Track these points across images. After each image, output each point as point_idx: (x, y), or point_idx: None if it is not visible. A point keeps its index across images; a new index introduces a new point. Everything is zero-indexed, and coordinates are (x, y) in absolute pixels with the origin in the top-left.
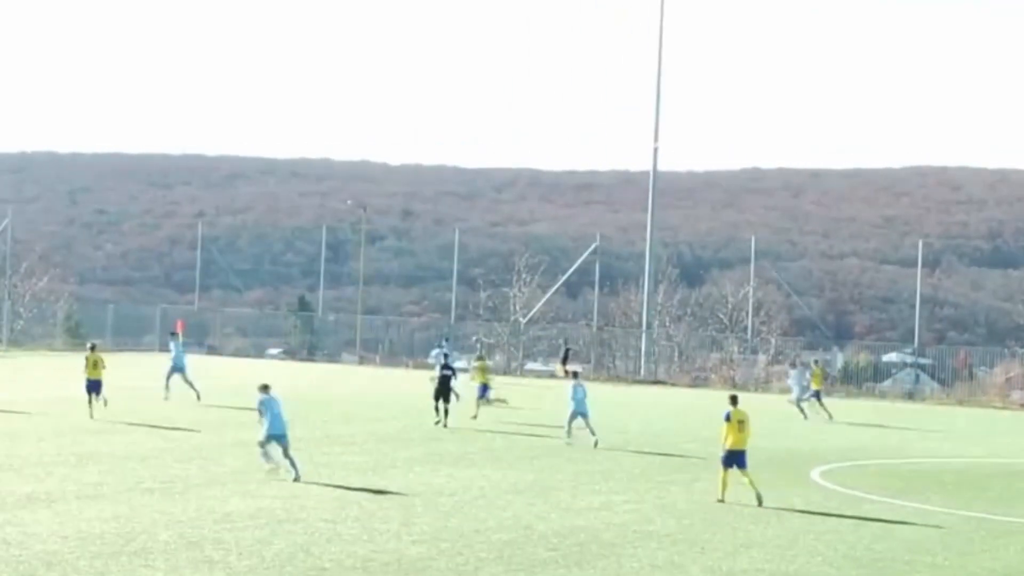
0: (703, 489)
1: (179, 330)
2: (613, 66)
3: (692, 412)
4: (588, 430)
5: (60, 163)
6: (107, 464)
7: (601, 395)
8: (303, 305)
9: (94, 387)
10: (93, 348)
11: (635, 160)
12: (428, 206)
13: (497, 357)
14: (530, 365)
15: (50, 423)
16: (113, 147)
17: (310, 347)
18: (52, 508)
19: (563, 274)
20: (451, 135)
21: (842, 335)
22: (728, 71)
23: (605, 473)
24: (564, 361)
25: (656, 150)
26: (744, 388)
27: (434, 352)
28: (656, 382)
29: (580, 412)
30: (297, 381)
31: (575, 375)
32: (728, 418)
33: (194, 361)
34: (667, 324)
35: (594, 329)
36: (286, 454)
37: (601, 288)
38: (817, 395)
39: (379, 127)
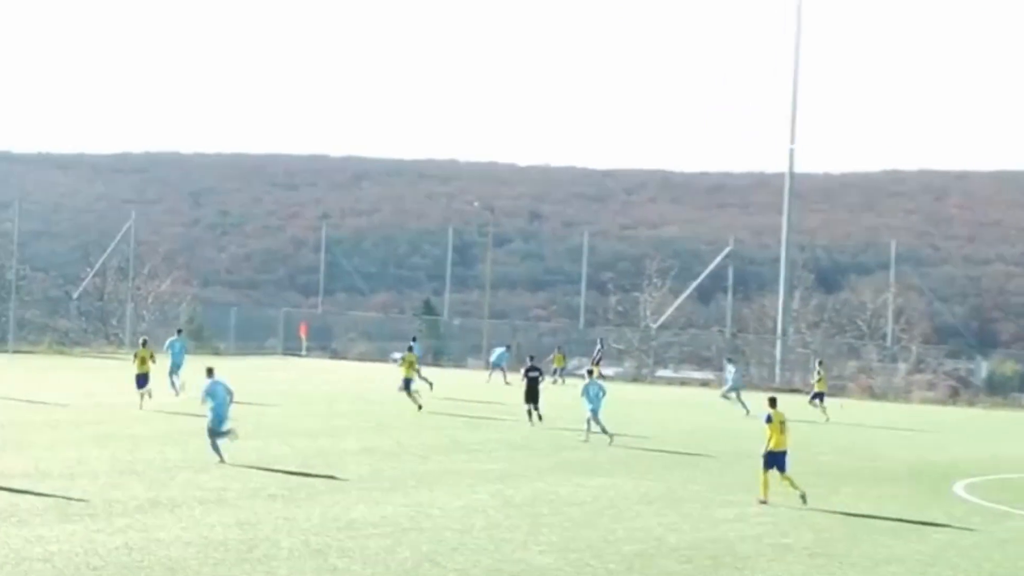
0: (841, 502)
1: (303, 334)
2: (747, 64)
3: (829, 422)
4: (600, 428)
5: (184, 164)
6: (230, 470)
7: (725, 403)
8: (428, 309)
9: (142, 381)
10: (144, 344)
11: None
12: (557, 208)
13: (627, 363)
14: (661, 372)
15: (172, 427)
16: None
17: (435, 352)
18: (175, 513)
19: (695, 279)
20: (580, 135)
21: (986, 343)
22: (867, 68)
23: (739, 484)
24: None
25: (792, 151)
26: (883, 397)
27: (496, 352)
28: (792, 390)
29: (593, 410)
30: (423, 387)
31: (589, 373)
32: (769, 420)
33: (317, 365)
34: (803, 331)
35: (727, 336)
36: (220, 435)
37: (734, 293)
38: (820, 396)
39: (507, 127)
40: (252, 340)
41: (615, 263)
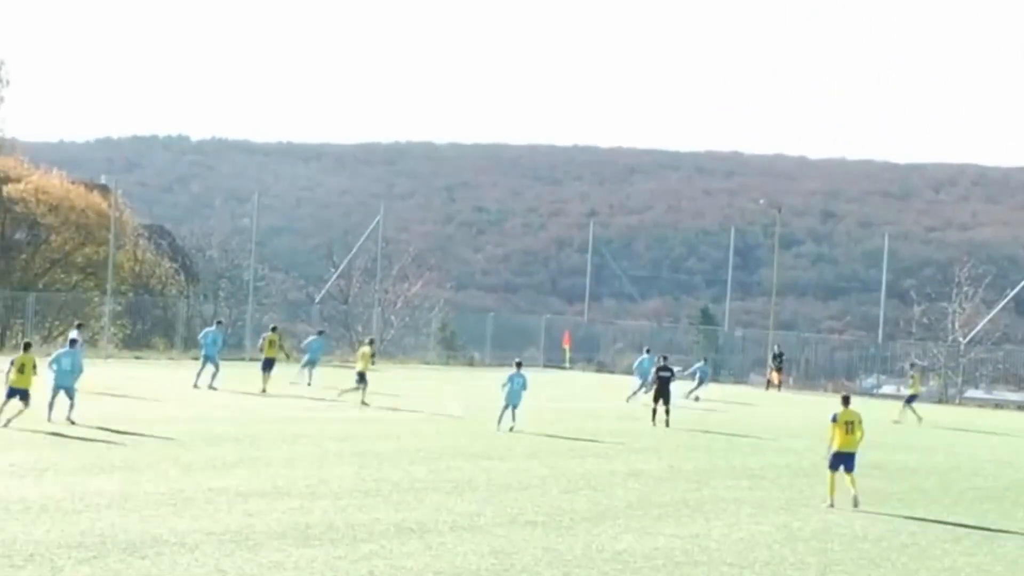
0: None
1: (566, 344)
2: None
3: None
4: (511, 416)
5: (437, 155)
6: (484, 492)
7: None
8: (707, 318)
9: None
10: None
11: None
12: (853, 206)
13: (932, 382)
14: (971, 393)
15: (422, 445)
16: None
17: (715, 366)
18: (424, 540)
19: (1013, 287)
20: (880, 125)
21: None
22: None
23: None
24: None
25: None
26: None
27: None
28: None
29: (512, 403)
30: (698, 404)
31: (518, 365)
32: (835, 419)
33: (581, 378)
34: None
35: None
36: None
37: None
38: (912, 399)
39: (796, 115)
40: (510, 349)
41: (919, 269)
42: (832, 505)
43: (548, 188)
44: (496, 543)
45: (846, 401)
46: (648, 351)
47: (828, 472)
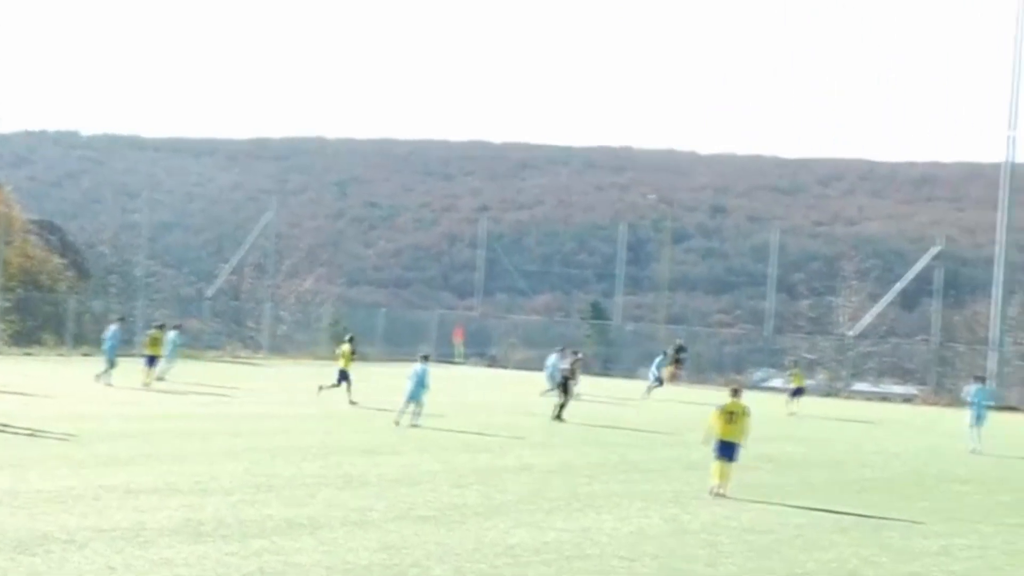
0: None
1: (459, 338)
2: (960, 43)
3: (795, 416)
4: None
5: (328, 151)
6: (375, 488)
7: (941, 422)
8: (597, 312)
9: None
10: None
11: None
12: (742, 201)
13: (820, 375)
14: (858, 386)
15: (313, 441)
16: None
17: (605, 360)
18: (315, 535)
19: (898, 281)
20: (769, 120)
21: None
22: None
23: (944, 512)
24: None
25: (1012, 138)
26: None
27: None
28: (1007, 408)
29: (414, 396)
30: (589, 399)
31: (424, 358)
32: (719, 409)
33: (473, 373)
34: (1021, 341)
35: (934, 346)
36: None
37: (943, 298)
38: (797, 392)
39: (687, 111)
40: (402, 345)
41: (807, 263)
42: (721, 494)
43: (440, 183)
44: (387, 538)
45: (735, 393)
46: (562, 349)
47: (714, 461)
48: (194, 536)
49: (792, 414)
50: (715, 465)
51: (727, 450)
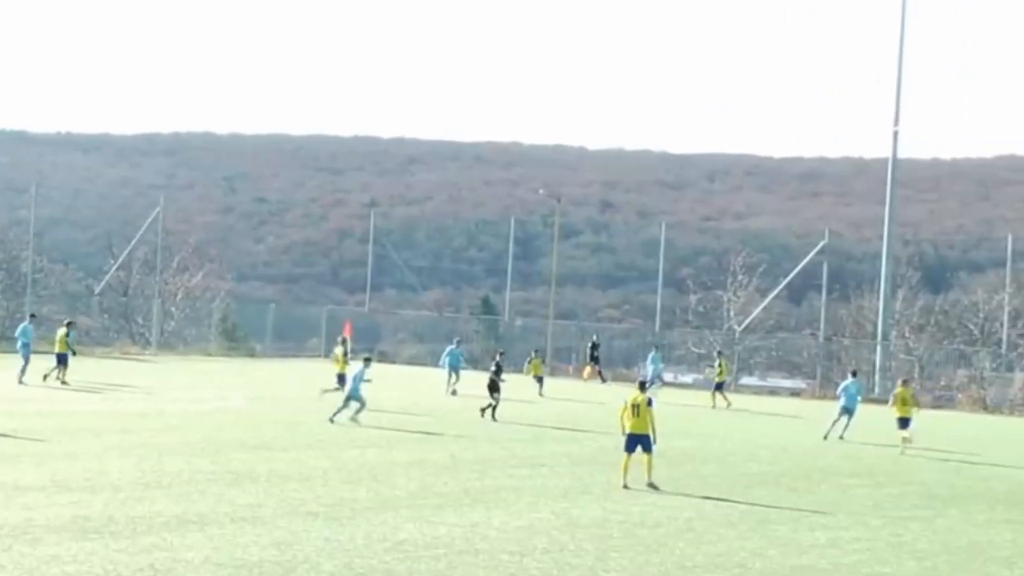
0: (947, 527)
1: (347, 333)
2: (846, 39)
3: (935, 437)
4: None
5: (217, 146)
6: (265, 484)
7: (828, 416)
8: (487, 308)
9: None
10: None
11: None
12: (630, 197)
13: (708, 370)
14: (746, 380)
15: (203, 437)
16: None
17: (494, 355)
18: (204, 531)
19: (785, 276)
20: (658, 116)
21: None
22: (983, 43)
23: (831, 505)
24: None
25: (896, 134)
26: (997, 411)
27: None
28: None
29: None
30: (480, 393)
31: (367, 360)
32: (626, 403)
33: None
34: (906, 335)
35: (820, 340)
36: None
37: (829, 293)
38: (720, 386)
39: (576, 107)
40: (291, 340)
41: (695, 258)
42: (626, 487)
43: (329, 178)
44: (277, 534)
45: (642, 387)
46: (458, 342)
47: (624, 455)
48: (83, 533)
49: (728, 406)
50: (626, 459)
51: (640, 442)
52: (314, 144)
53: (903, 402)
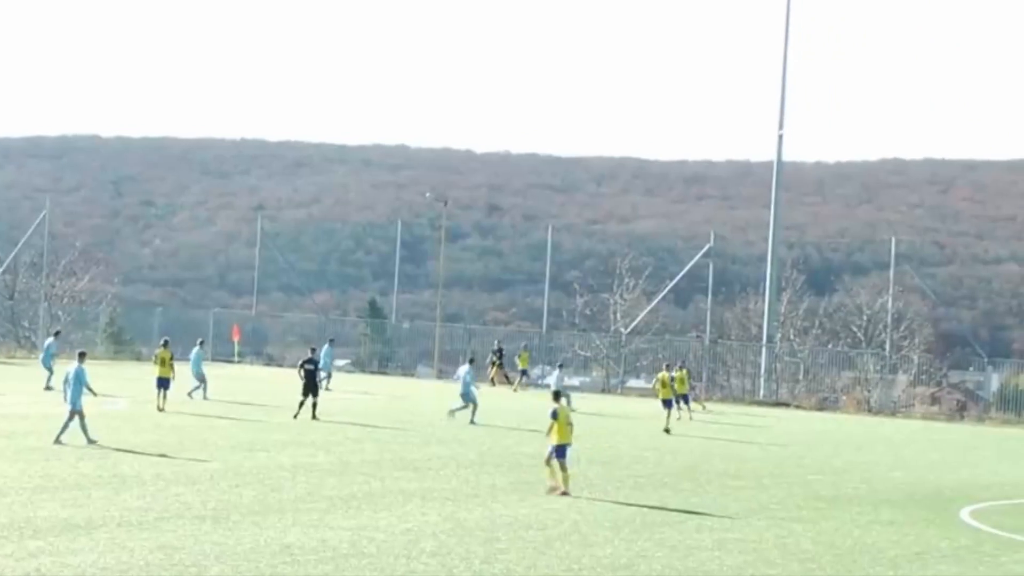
0: (832, 528)
1: (235, 337)
2: (730, 43)
3: (818, 439)
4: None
5: (103, 149)
6: (152, 487)
7: (713, 417)
8: (374, 311)
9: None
10: (166, 344)
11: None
12: (517, 200)
13: (594, 373)
14: (632, 382)
15: (88, 441)
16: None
17: (382, 358)
18: (91, 536)
19: (671, 279)
20: (543, 119)
21: (998, 353)
22: (866, 47)
23: (717, 507)
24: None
25: (781, 137)
26: (881, 412)
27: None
28: (777, 404)
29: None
30: (367, 397)
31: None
32: (555, 416)
33: (250, 372)
34: (791, 337)
35: (706, 342)
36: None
37: (715, 295)
38: (685, 399)
39: (462, 109)
40: (178, 344)
41: (582, 261)
42: (556, 490)
43: (216, 182)
44: (164, 538)
45: (557, 397)
46: (332, 341)
47: (550, 464)
48: None
49: (691, 418)
50: (551, 467)
51: (562, 451)
52: (201, 147)
53: (663, 384)
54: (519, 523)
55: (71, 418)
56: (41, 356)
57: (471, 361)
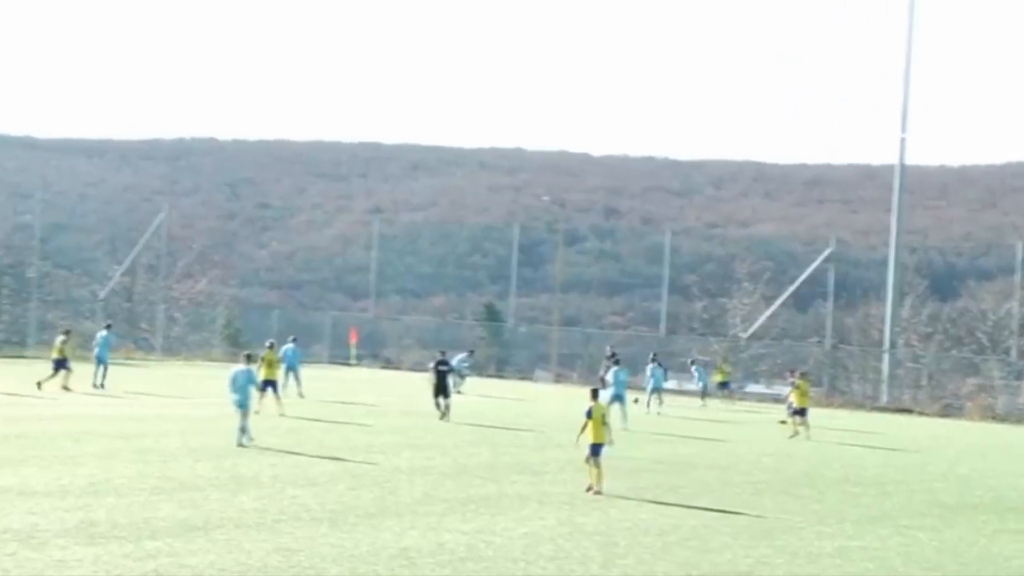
0: (957, 537)
1: (352, 340)
2: (853, 45)
3: (942, 446)
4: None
5: (220, 152)
6: (269, 489)
7: (834, 423)
8: (491, 314)
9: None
10: (272, 347)
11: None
12: (635, 203)
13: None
14: (751, 388)
15: (207, 442)
16: (279, 134)
17: (499, 362)
18: (209, 536)
19: (791, 283)
20: (662, 122)
21: None
22: (991, 49)
23: (838, 514)
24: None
25: (904, 140)
26: (1007, 420)
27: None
28: (900, 410)
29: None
30: (484, 400)
31: (248, 357)
32: (589, 415)
33: (367, 375)
34: (914, 343)
35: (827, 348)
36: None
37: (836, 300)
38: (801, 412)
39: (580, 112)
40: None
41: (700, 265)
42: (597, 492)
43: (333, 184)
44: (281, 540)
45: (595, 394)
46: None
47: (586, 462)
48: (88, 538)
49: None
50: (589, 466)
51: (597, 450)
52: (317, 150)
53: (803, 393)
54: (637, 528)
55: (245, 419)
56: (96, 350)
57: (617, 362)
